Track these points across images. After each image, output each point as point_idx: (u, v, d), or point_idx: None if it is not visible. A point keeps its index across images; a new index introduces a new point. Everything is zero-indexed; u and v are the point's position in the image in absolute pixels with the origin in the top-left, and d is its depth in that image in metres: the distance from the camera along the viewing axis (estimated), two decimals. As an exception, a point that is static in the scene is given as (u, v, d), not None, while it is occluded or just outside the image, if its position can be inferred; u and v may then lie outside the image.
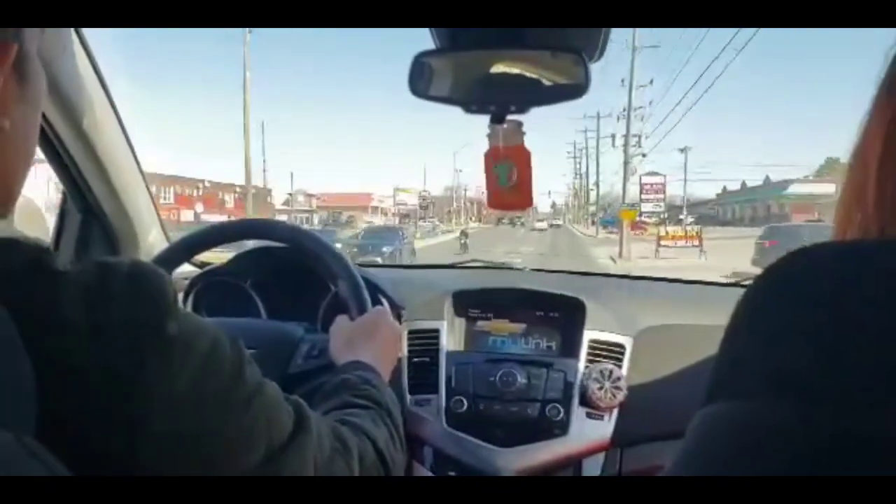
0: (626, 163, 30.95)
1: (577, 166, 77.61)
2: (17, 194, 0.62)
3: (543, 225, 66.47)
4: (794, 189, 55.01)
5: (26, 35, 0.58)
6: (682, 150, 50.80)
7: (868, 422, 0.33)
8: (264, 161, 44.28)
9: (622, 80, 31.01)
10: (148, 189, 1.67)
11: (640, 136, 32.77)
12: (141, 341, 0.52)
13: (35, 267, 0.50)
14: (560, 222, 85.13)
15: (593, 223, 58.07)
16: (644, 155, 32.75)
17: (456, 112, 1.14)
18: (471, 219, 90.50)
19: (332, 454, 0.74)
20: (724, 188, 79.66)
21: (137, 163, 1.59)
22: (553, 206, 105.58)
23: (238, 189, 51.64)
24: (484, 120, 1.16)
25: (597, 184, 60.44)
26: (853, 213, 0.48)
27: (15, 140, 0.59)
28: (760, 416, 0.36)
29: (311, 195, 68.78)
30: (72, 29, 1.24)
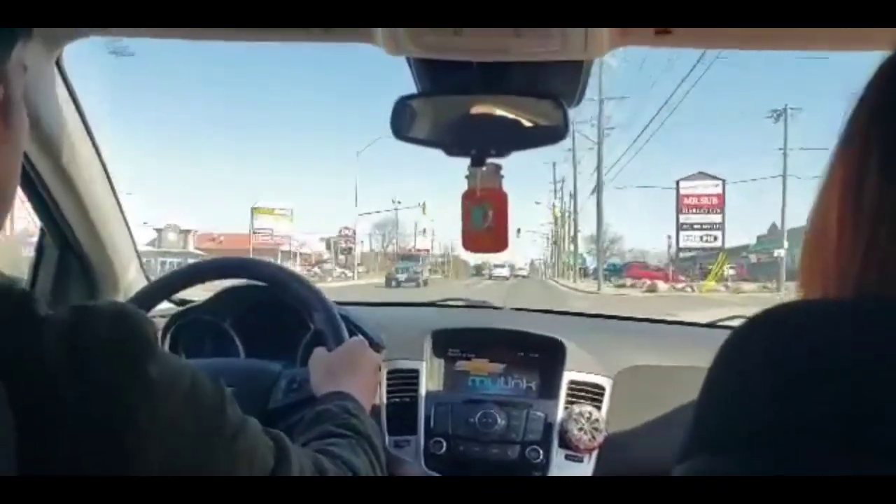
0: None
1: (559, 189, 55.68)
2: None
3: (504, 272, 51.87)
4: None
5: (10, 79, 0.60)
6: (778, 116, 23.78)
7: (835, 471, 0.34)
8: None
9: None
10: (127, 226, 1.66)
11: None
12: (122, 385, 0.52)
13: (17, 313, 0.50)
14: (525, 273, 65.78)
15: (584, 273, 43.15)
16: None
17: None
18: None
19: None
20: (774, 224, 45.69)
21: (117, 199, 1.58)
22: (531, 263, 78.96)
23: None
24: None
25: (598, 189, 29.70)
26: (816, 261, 0.50)
27: None
28: (733, 471, 0.37)
29: (185, 231, 50.21)
30: (54, 63, 1.25)
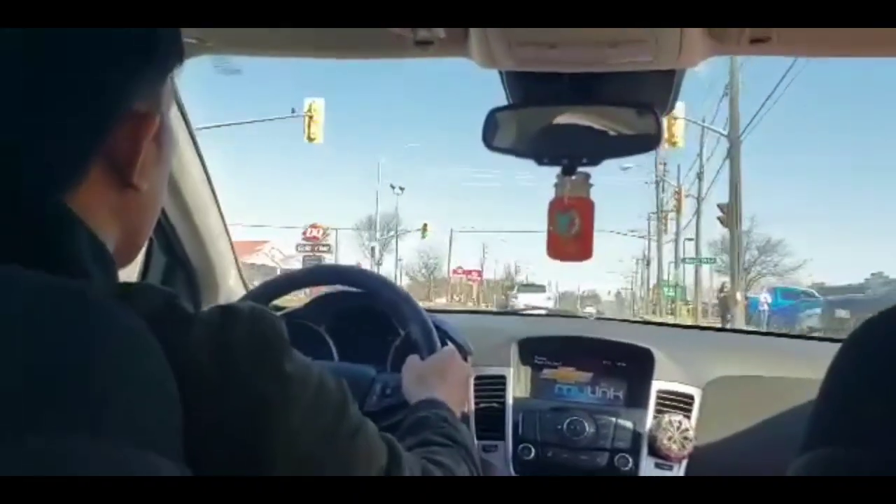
0: None
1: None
2: (140, 249, 0.69)
3: (540, 301, 27.98)
4: None
5: (164, 104, 0.66)
6: None
7: None
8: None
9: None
10: (228, 233, 1.74)
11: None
12: (261, 380, 0.56)
13: (168, 310, 0.55)
14: (592, 309, 30.86)
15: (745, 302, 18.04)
16: None
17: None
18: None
19: None
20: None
21: (219, 207, 1.66)
22: (617, 294, 53.82)
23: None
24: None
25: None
26: None
27: (148, 201, 0.67)
28: (872, 462, 0.37)
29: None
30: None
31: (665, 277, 33.44)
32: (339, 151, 72.93)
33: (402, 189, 39.42)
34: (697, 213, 26.23)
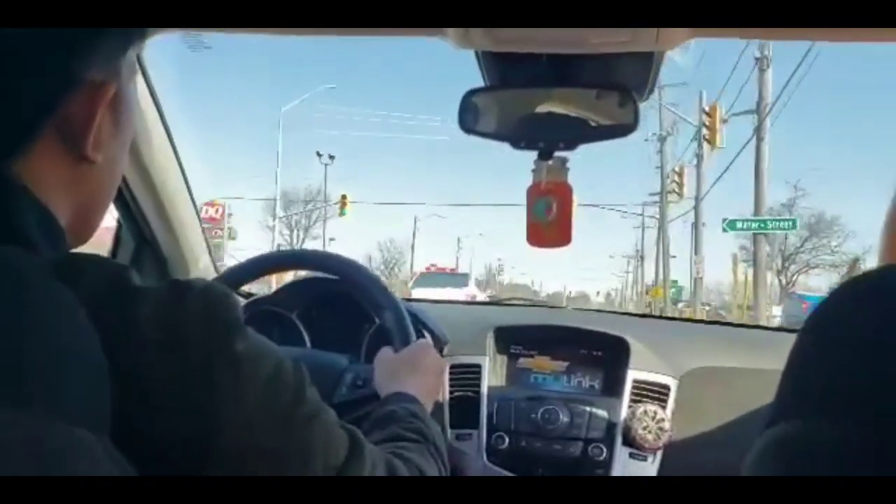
0: None
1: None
2: (97, 226, 0.67)
3: (458, 297, 13.23)
4: None
5: (123, 76, 0.63)
6: None
7: None
8: None
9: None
10: (199, 217, 1.71)
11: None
12: (210, 359, 0.54)
13: (115, 283, 0.52)
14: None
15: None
16: None
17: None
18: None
19: None
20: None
21: (189, 191, 1.63)
22: (607, 295, 51.35)
23: None
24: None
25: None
26: None
27: (103, 174, 0.64)
28: (815, 437, 0.37)
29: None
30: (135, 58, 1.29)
31: (662, 274, 25.57)
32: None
33: (331, 157, 31.34)
34: (757, 133, 16.07)
